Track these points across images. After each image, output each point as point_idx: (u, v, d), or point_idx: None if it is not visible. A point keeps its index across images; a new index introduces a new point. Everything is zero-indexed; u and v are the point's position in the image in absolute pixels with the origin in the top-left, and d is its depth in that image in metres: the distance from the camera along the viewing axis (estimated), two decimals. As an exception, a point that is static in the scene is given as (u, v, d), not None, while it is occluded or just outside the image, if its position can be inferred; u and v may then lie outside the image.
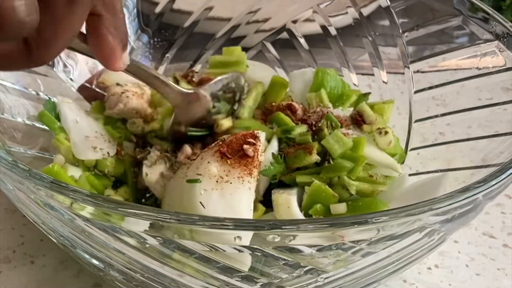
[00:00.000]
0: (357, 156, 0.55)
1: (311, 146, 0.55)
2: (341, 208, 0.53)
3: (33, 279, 0.55)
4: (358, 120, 0.60)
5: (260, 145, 0.54)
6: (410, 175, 0.61)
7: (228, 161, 0.52)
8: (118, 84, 0.63)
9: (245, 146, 0.53)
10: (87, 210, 0.39)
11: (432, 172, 0.62)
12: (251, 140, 0.53)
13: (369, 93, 0.66)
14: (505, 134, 0.56)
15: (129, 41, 0.70)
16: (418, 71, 0.67)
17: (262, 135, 0.55)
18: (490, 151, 0.56)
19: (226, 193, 0.50)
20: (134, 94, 0.61)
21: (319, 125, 0.58)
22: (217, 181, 0.51)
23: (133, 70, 0.50)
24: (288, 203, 0.53)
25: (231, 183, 0.51)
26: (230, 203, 0.50)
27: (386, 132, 0.59)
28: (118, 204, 0.38)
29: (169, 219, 0.38)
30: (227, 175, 0.51)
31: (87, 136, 0.57)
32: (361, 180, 0.56)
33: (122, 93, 0.61)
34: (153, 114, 0.61)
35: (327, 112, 0.59)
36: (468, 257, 0.61)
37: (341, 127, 0.59)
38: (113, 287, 0.53)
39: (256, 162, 0.53)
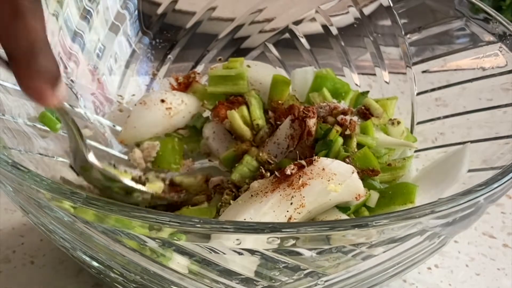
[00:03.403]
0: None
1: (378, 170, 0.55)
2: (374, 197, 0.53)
3: (33, 279, 0.55)
4: (365, 114, 0.60)
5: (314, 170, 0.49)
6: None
7: (270, 178, 0.50)
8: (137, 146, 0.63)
9: (289, 166, 0.49)
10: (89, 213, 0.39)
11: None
12: (302, 162, 0.50)
13: (368, 91, 0.66)
14: (506, 137, 0.55)
15: (131, 42, 0.71)
16: (421, 72, 0.67)
17: (330, 162, 0.50)
18: (491, 154, 0.56)
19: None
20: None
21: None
22: (251, 196, 0.49)
23: (61, 113, 0.50)
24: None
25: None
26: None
27: (398, 122, 0.60)
28: (118, 207, 0.38)
29: (169, 221, 0.38)
30: (262, 191, 0.49)
31: None
32: (381, 171, 0.55)
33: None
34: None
35: (335, 108, 0.58)
36: (468, 257, 0.61)
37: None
38: (113, 288, 0.53)
39: (297, 186, 0.48)
